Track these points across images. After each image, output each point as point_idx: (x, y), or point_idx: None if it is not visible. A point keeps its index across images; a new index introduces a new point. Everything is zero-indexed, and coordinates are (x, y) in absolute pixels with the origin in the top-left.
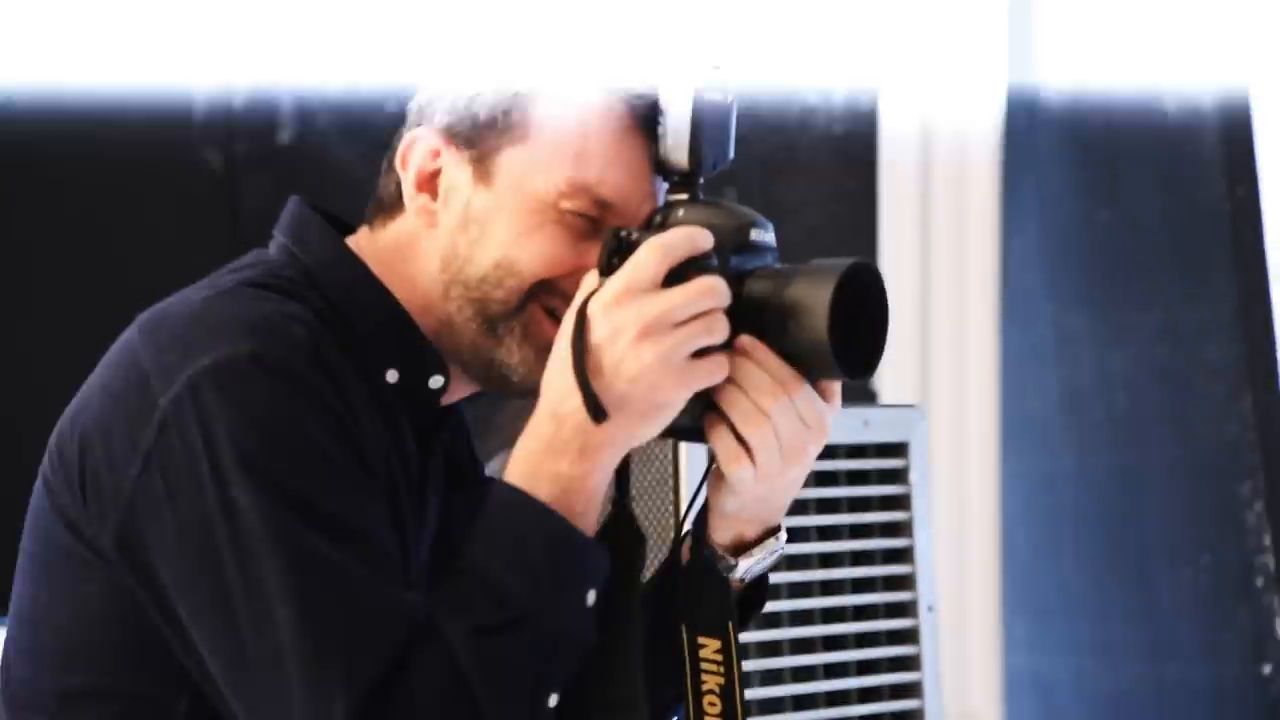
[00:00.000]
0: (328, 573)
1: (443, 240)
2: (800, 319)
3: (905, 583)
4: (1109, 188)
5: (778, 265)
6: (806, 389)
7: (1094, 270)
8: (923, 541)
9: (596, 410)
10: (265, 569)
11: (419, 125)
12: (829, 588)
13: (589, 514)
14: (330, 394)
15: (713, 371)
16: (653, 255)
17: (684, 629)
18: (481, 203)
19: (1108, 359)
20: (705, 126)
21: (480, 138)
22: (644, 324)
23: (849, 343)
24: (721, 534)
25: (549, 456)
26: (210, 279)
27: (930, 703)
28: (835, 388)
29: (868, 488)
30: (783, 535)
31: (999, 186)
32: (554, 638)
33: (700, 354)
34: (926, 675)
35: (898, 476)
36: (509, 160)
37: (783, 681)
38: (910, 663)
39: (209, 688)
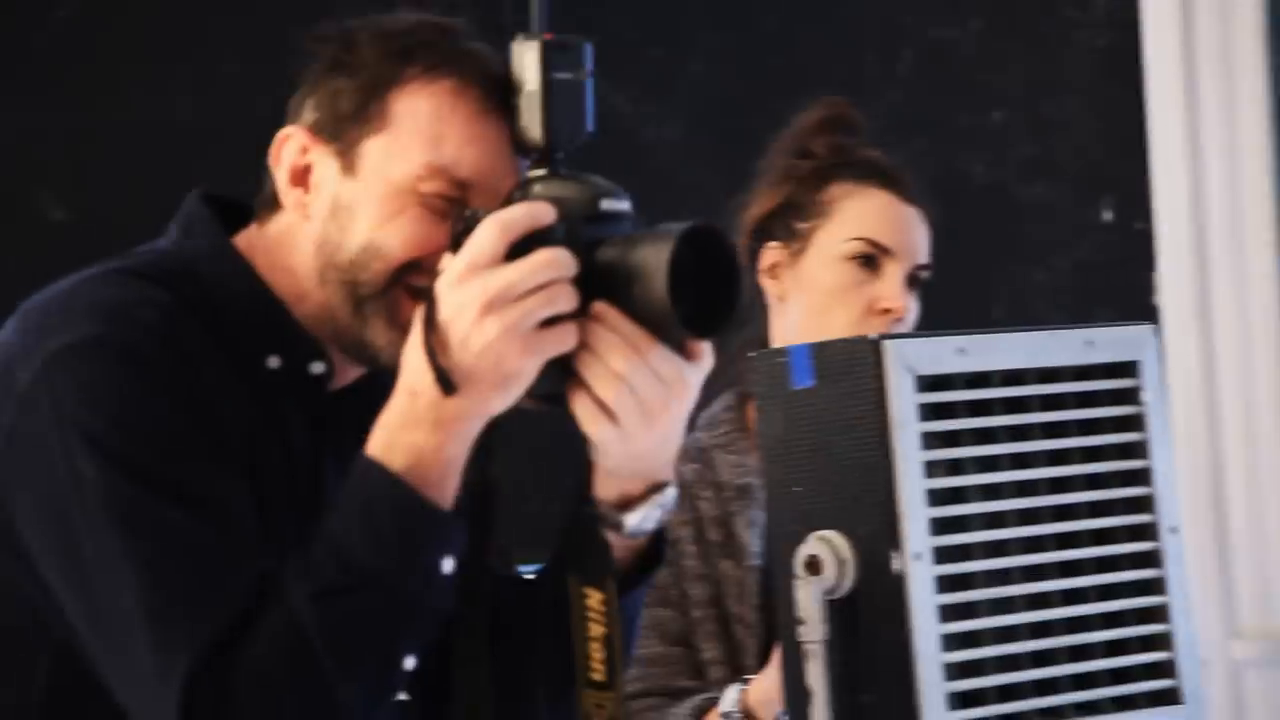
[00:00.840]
0: (170, 537)
1: (316, 230)
2: (643, 282)
3: (1144, 505)
4: None
5: (629, 232)
6: (661, 348)
7: None
8: (1161, 462)
9: (446, 384)
10: (110, 536)
11: (290, 123)
12: (1062, 512)
13: (444, 484)
14: (177, 373)
15: (560, 340)
16: (491, 232)
17: (570, 580)
18: (348, 192)
19: None
20: (557, 103)
21: (343, 131)
22: (486, 299)
23: (700, 301)
24: (606, 490)
25: (405, 429)
26: (97, 265)
27: (1179, 627)
28: (700, 345)
29: (1098, 409)
30: (669, 490)
31: (1271, 90)
32: (401, 603)
33: (550, 323)
34: (1173, 598)
35: (1129, 397)
36: (370, 149)
37: (1016, 609)
38: (1155, 586)
39: (78, 646)
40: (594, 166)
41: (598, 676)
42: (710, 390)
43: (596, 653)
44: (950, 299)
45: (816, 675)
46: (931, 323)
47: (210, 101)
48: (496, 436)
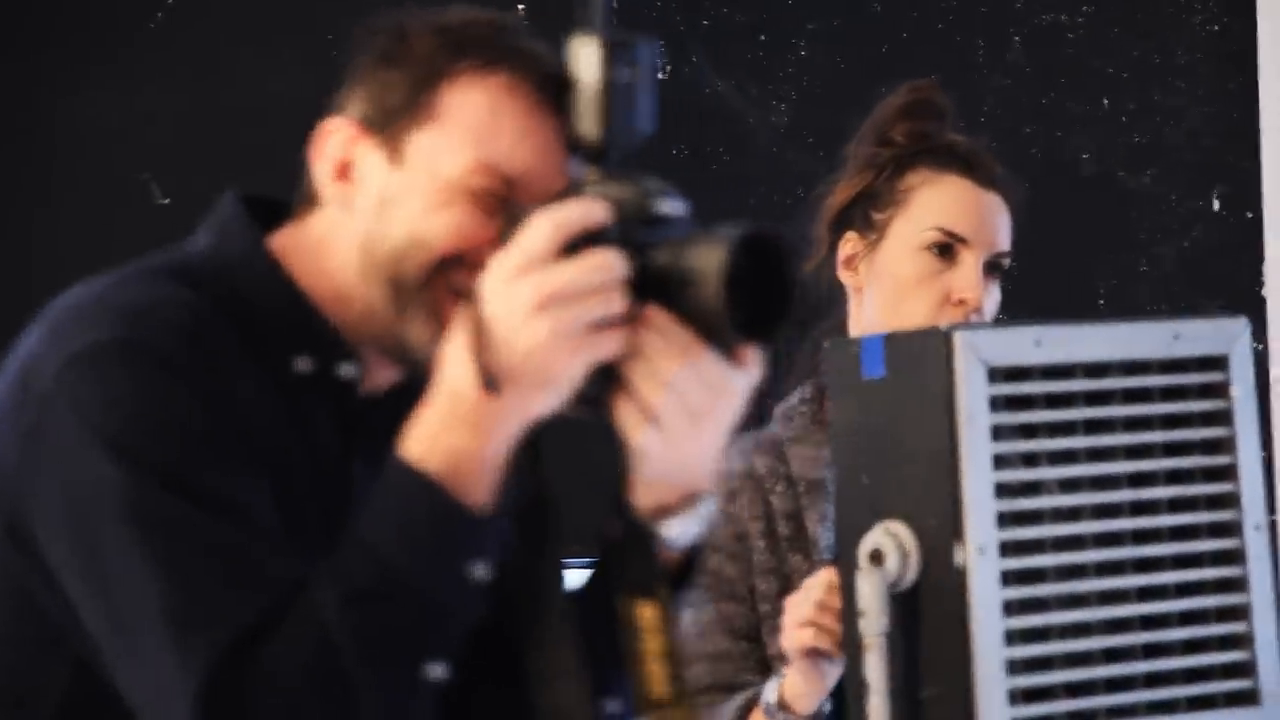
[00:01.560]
0: (191, 539)
1: (359, 224)
2: (695, 286)
3: (1229, 501)
4: None
5: (683, 235)
6: (709, 354)
7: None
8: (1248, 458)
9: (489, 383)
10: (130, 537)
11: (335, 116)
12: (1140, 509)
13: (483, 488)
14: (202, 375)
15: (610, 343)
16: (545, 229)
17: (620, 598)
18: (394, 184)
19: None
20: (614, 101)
21: (391, 122)
22: (539, 298)
23: (755, 306)
24: (643, 500)
25: (443, 430)
26: (129, 264)
27: (1259, 626)
28: (749, 352)
29: (1183, 404)
30: (708, 501)
31: None
32: (432, 609)
33: (599, 326)
34: (1255, 597)
35: (1216, 391)
36: (419, 142)
37: (1089, 605)
38: (1237, 585)
39: (95, 663)
40: (701, 152)
41: (661, 694)
42: (791, 382)
43: (657, 669)
44: (1056, 287)
45: (875, 669)
46: (1035, 311)
47: (318, 88)
48: (541, 440)
